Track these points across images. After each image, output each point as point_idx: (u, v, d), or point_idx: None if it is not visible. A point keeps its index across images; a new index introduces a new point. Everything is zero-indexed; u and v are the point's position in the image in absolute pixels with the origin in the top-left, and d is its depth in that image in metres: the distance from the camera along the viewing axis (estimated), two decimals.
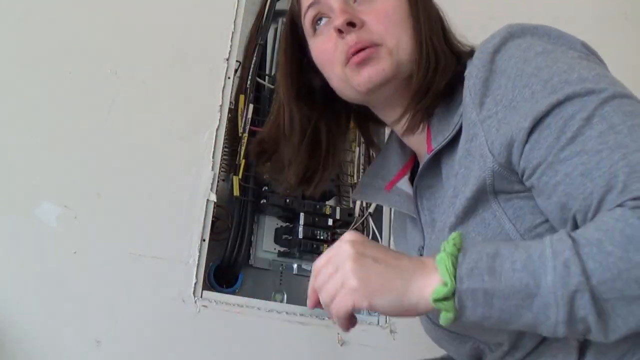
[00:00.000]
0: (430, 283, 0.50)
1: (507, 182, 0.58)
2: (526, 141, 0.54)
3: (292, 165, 0.75)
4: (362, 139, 1.34)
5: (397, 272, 0.52)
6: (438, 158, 0.66)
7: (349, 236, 0.55)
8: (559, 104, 0.54)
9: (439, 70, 0.65)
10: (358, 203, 1.25)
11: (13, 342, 0.87)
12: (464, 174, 0.61)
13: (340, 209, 1.19)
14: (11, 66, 1.00)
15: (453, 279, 0.49)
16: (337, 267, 0.53)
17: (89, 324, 0.92)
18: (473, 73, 0.59)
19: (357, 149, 1.32)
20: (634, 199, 0.48)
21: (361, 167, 1.31)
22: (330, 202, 1.20)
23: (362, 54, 0.64)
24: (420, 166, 0.68)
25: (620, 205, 0.49)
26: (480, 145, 0.58)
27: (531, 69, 0.56)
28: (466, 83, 0.60)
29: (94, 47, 1.06)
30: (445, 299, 0.49)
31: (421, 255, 0.70)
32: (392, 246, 1.06)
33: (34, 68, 1.01)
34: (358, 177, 1.29)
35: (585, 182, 0.51)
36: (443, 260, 0.50)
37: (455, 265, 0.49)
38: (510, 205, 0.58)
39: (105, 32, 1.08)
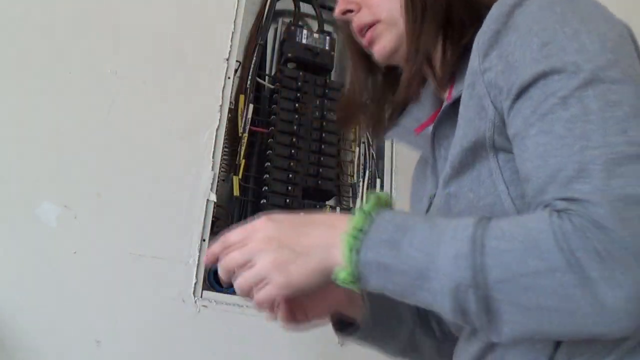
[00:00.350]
0: (336, 255, 0.52)
1: (507, 140, 0.55)
2: (511, 107, 0.53)
3: (368, 121, 0.80)
4: (361, 139, 1.35)
5: (311, 257, 0.54)
6: (456, 108, 0.64)
7: (263, 219, 0.57)
8: (544, 75, 0.51)
9: (426, 19, 0.65)
10: (357, 203, 1.25)
11: (13, 342, 0.87)
12: (462, 124, 0.59)
13: (340, 209, 1.19)
14: (11, 66, 1.00)
15: (351, 253, 0.50)
16: (253, 257, 0.55)
17: (89, 324, 0.92)
18: (487, 22, 0.57)
19: (357, 149, 1.32)
20: (567, 199, 0.46)
21: (361, 167, 1.31)
22: (330, 202, 1.20)
23: (367, 36, 0.69)
24: (439, 114, 0.67)
25: (550, 205, 0.47)
26: (481, 96, 0.56)
27: (538, 28, 0.53)
28: (480, 31, 0.58)
29: (94, 47, 1.06)
30: (345, 269, 0.51)
31: (431, 203, 0.68)
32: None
33: (34, 68, 1.01)
34: (358, 177, 1.29)
35: (541, 165, 0.49)
36: (348, 234, 0.51)
37: (357, 235, 0.50)
38: (509, 167, 0.55)
39: (105, 32, 1.08)
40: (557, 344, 0.52)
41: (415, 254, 0.48)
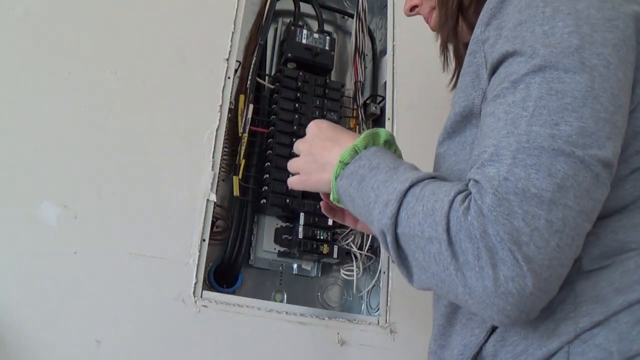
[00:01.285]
0: (329, 173, 0.64)
1: None
2: (488, 82, 0.55)
3: None
4: None
5: (324, 171, 0.66)
6: None
7: (311, 124, 0.73)
8: (509, 55, 0.52)
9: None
10: None
11: (13, 342, 0.87)
12: (459, 90, 0.61)
13: None
14: (11, 66, 1.00)
15: (335, 179, 0.62)
16: (298, 151, 0.73)
17: (89, 324, 0.92)
18: None
19: None
20: (476, 181, 0.48)
21: None
22: None
23: (428, 21, 0.82)
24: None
25: (468, 183, 0.49)
26: (479, 65, 0.57)
27: (524, 4, 0.53)
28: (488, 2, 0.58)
29: (94, 47, 1.06)
30: (333, 190, 0.63)
31: None
32: None
33: (34, 68, 1.01)
34: None
35: (479, 144, 0.52)
36: (337, 163, 0.61)
37: (342, 165, 0.61)
38: None
39: (105, 32, 1.08)
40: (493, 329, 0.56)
41: (369, 192, 0.56)
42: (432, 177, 0.54)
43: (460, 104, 0.59)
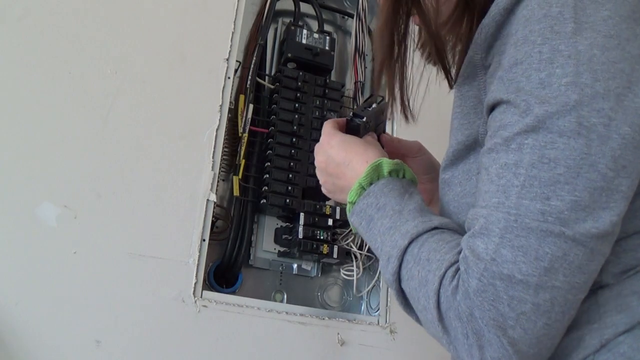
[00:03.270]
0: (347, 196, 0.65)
1: None
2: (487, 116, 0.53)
3: None
4: None
5: (343, 195, 0.68)
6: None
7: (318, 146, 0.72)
8: (502, 103, 0.49)
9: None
10: None
11: (13, 342, 0.87)
12: (458, 113, 0.59)
13: (340, 209, 1.19)
14: (11, 66, 1.00)
15: (350, 208, 0.63)
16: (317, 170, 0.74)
17: (89, 324, 0.92)
18: (493, 11, 0.53)
19: None
20: (467, 251, 0.48)
21: None
22: (330, 202, 1.20)
23: None
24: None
25: (458, 252, 0.50)
26: (481, 89, 0.55)
27: (520, 37, 0.49)
28: (483, 22, 0.54)
29: (94, 47, 1.06)
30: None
31: None
32: None
33: (34, 68, 1.01)
34: None
35: (473, 203, 0.53)
36: (351, 194, 0.63)
37: (354, 200, 0.62)
38: None
39: (105, 32, 1.08)
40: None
41: (377, 237, 0.58)
42: (434, 228, 0.55)
43: (463, 131, 0.58)
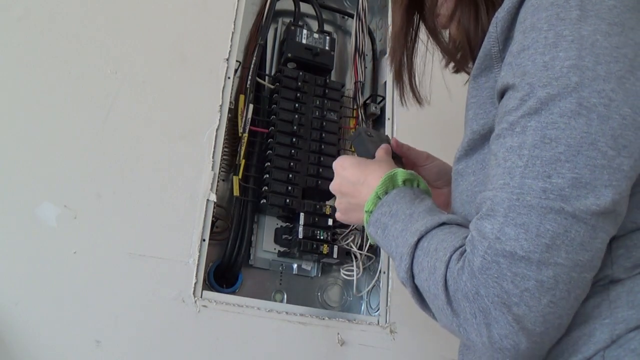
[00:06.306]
0: (362, 214, 0.67)
1: None
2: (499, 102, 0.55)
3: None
4: None
5: (358, 214, 0.70)
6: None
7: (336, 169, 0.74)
8: (509, 87, 0.50)
9: None
10: None
11: (13, 342, 0.87)
12: (473, 104, 0.60)
13: None
14: (11, 66, 1.00)
15: (367, 218, 0.65)
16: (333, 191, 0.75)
17: (89, 324, 0.92)
18: (507, 4, 0.54)
19: None
20: (475, 232, 0.49)
21: None
22: (330, 202, 1.20)
23: None
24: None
25: (465, 237, 0.51)
26: (496, 80, 0.55)
27: (529, 24, 0.50)
28: (498, 13, 0.55)
29: (94, 47, 1.06)
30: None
31: None
32: None
33: (34, 68, 1.01)
34: None
35: (482, 187, 0.53)
36: (368, 204, 0.65)
37: (370, 210, 0.64)
38: None
39: (106, 33, 1.08)
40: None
41: (391, 242, 0.59)
42: (442, 224, 0.55)
43: (478, 121, 0.58)
